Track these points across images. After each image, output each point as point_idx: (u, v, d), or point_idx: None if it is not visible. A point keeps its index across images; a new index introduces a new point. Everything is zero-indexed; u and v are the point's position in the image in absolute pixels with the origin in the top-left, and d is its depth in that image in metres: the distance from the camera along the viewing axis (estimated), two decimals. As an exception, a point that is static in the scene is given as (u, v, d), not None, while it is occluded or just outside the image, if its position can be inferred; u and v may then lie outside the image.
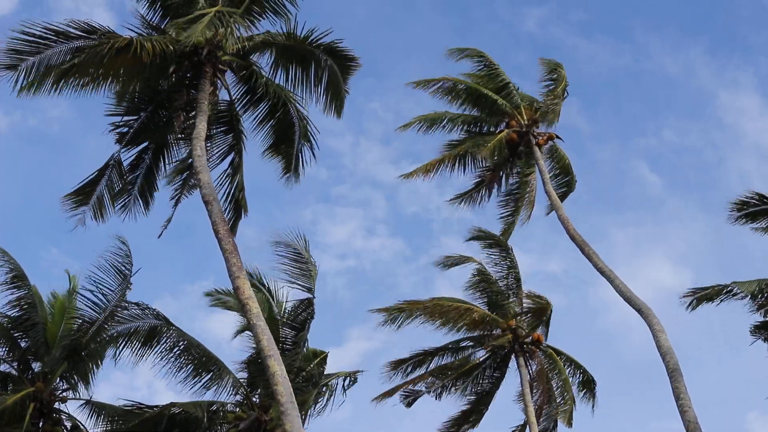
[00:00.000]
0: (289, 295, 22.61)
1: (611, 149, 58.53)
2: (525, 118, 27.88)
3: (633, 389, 52.82)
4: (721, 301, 21.31)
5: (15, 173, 55.73)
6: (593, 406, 29.05)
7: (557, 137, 28.40)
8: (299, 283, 21.39)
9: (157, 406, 21.36)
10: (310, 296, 21.56)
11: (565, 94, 28.58)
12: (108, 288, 21.19)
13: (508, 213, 29.93)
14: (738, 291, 20.94)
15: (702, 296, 21.26)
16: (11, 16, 53.31)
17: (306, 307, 21.87)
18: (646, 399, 53.11)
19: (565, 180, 29.44)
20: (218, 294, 23.23)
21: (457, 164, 28.75)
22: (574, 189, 29.59)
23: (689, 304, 21.35)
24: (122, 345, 21.01)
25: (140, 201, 21.95)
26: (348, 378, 22.86)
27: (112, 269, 21.17)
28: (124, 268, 21.16)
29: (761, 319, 21.80)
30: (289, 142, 21.63)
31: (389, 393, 28.74)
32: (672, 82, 63.84)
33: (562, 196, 28.74)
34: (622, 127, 62.14)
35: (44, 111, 58.72)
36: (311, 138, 21.62)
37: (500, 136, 27.56)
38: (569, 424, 28.44)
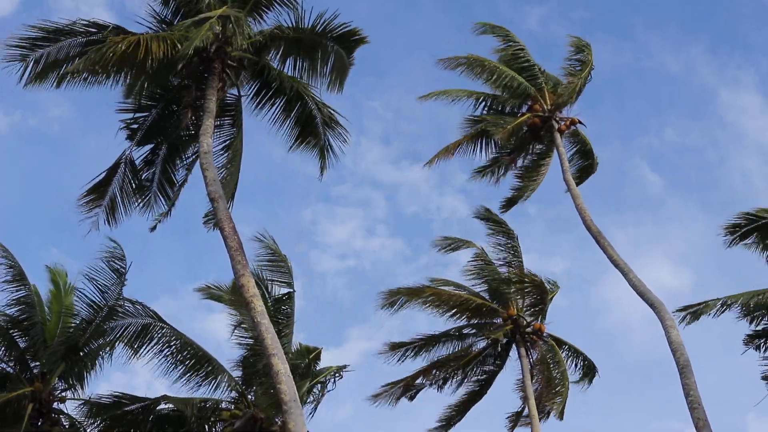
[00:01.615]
0: (273, 291, 22.65)
1: (612, 149, 58.01)
2: (548, 102, 27.40)
3: (633, 389, 52.72)
4: (714, 315, 21.63)
5: (15, 173, 55.81)
6: (587, 387, 29.02)
7: (579, 122, 27.86)
8: (280, 279, 21.68)
9: (147, 398, 21.41)
10: (291, 290, 21.80)
11: (590, 77, 28.13)
12: (104, 287, 21.19)
13: (516, 188, 29.45)
14: (730, 303, 21.20)
15: (696, 312, 21.54)
16: (12, 16, 53.46)
17: (288, 301, 21.95)
18: (646, 399, 52.98)
19: (586, 163, 29.05)
20: (210, 289, 23.20)
21: (476, 145, 28.33)
22: (595, 171, 29.21)
23: (683, 320, 21.51)
24: (115, 341, 20.93)
25: (161, 198, 22.00)
26: (335, 374, 22.83)
27: (107, 268, 21.16)
28: (119, 267, 21.15)
29: (752, 329, 22.12)
30: (314, 133, 21.56)
31: (388, 390, 28.51)
32: (673, 80, 63.66)
33: (582, 179, 28.59)
34: (623, 127, 61.74)
35: (44, 111, 58.89)
36: (337, 124, 21.52)
37: (521, 119, 27.04)
38: (561, 416, 28.37)
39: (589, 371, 28.87)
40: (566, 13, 63.61)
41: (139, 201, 21.85)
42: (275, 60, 21.20)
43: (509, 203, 29.63)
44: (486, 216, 29.07)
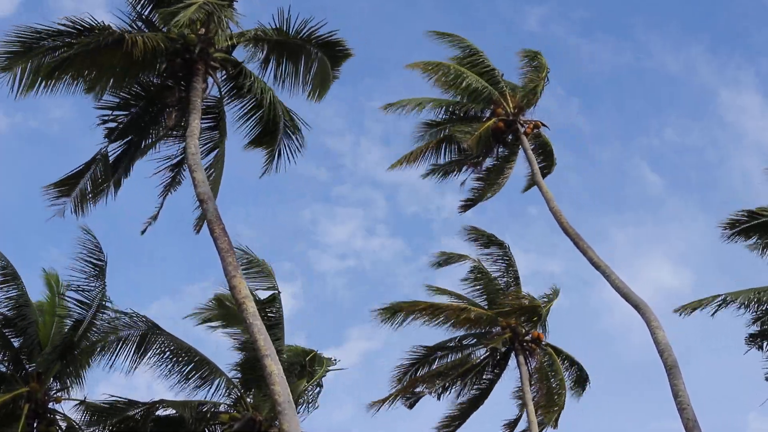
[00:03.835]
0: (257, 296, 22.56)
1: (612, 149, 58.54)
2: (511, 105, 27.61)
3: (633, 389, 52.86)
4: (716, 311, 21.64)
5: (15, 174, 55.65)
6: (579, 398, 29.16)
7: (543, 125, 28.12)
8: (262, 284, 21.75)
9: (145, 402, 21.32)
10: (275, 292, 21.80)
11: (547, 80, 28.42)
12: (88, 282, 21.12)
13: (477, 188, 29.61)
14: (731, 300, 21.39)
15: (696, 306, 21.62)
16: (12, 17, 52.98)
17: (273, 303, 21.96)
18: (645, 399, 53.10)
19: (545, 163, 29.26)
20: (201, 313, 23.09)
21: (441, 150, 28.54)
22: (552, 171, 29.48)
23: (682, 313, 21.64)
24: (115, 352, 20.89)
25: (113, 189, 21.81)
26: (328, 368, 22.86)
27: (86, 263, 21.07)
28: (97, 260, 21.07)
29: (755, 329, 22.30)
30: (272, 136, 21.66)
31: (387, 399, 28.62)
32: (673, 80, 64.03)
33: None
34: (623, 127, 62.28)
35: (45, 112, 58.48)
36: (298, 134, 21.75)
37: (488, 124, 27.18)
38: (555, 425, 28.50)
39: (580, 381, 29.05)
40: (566, 13, 64.22)
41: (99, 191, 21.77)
42: (257, 62, 21.26)
43: (468, 205, 29.86)
44: (474, 234, 29.46)
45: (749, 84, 63.30)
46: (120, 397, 21.25)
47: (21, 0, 51.94)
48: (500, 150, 28.77)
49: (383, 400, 28.54)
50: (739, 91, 63.19)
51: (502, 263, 29.32)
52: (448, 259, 29.56)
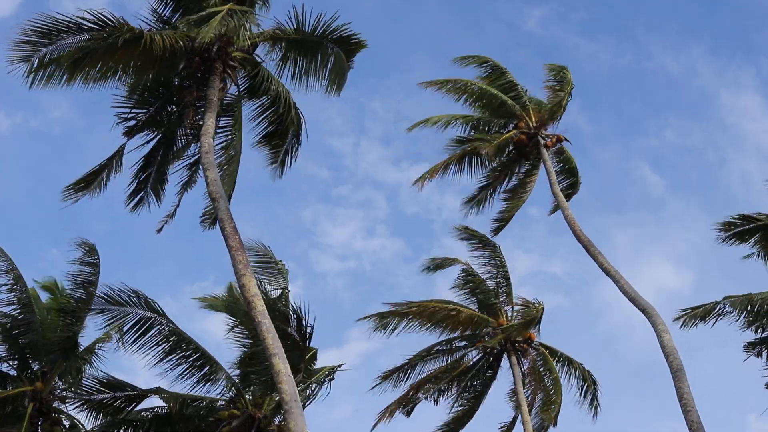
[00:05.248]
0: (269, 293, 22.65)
1: (613, 150, 58.52)
2: (533, 119, 27.92)
3: (634, 389, 52.88)
4: (714, 319, 21.80)
5: (16, 175, 55.83)
6: (595, 409, 28.77)
7: (565, 139, 28.35)
8: (276, 283, 21.57)
9: (142, 388, 21.38)
10: (286, 290, 21.65)
11: (570, 97, 28.67)
12: (85, 280, 21.36)
13: (505, 209, 29.98)
14: (729, 309, 21.55)
15: (694, 315, 21.78)
16: (12, 17, 53.32)
17: (283, 300, 21.70)
18: (647, 399, 53.01)
19: (570, 181, 29.52)
20: (207, 299, 23.16)
21: (464, 164, 28.80)
22: (578, 191, 29.76)
23: (683, 325, 21.71)
24: (113, 327, 20.79)
25: (153, 196, 22.19)
26: (328, 375, 22.86)
27: (83, 266, 21.37)
28: (92, 260, 21.38)
29: (753, 336, 22.38)
30: (282, 137, 21.84)
31: (390, 411, 28.62)
32: (673, 82, 64.01)
33: (567, 198, 28.65)
34: (623, 128, 62.23)
35: (45, 112, 58.77)
36: (301, 139, 21.97)
37: (508, 135, 27.60)
38: (554, 423, 28.39)
39: (589, 387, 28.78)
40: (566, 14, 64.30)
41: (137, 199, 22.05)
42: (275, 61, 21.34)
43: (499, 227, 30.17)
44: (466, 234, 29.60)
45: (749, 85, 63.46)
46: (118, 379, 21.28)
47: (21, 0, 52.35)
48: (524, 164, 29.08)
49: (387, 412, 28.50)
50: (739, 92, 63.21)
51: (493, 264, 29.37)
52: (438, 264, 29.69)
